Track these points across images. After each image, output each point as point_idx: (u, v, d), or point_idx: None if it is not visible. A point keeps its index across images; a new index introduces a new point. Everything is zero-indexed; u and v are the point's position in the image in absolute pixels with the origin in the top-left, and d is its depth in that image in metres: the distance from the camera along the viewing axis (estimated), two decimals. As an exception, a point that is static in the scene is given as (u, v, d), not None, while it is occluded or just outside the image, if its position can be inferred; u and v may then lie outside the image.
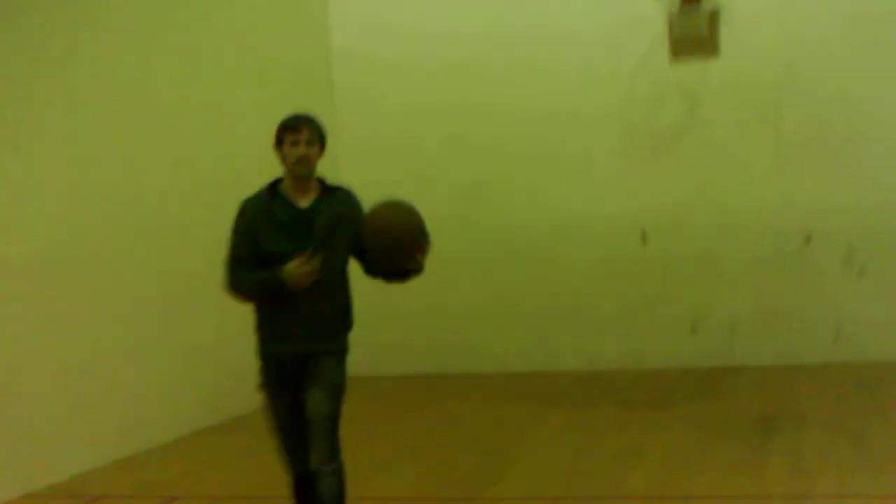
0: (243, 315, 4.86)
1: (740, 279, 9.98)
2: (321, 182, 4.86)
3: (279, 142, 4.75)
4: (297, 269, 4.55)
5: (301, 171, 4.71)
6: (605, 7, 10.18)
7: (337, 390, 4.75)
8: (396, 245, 4.59)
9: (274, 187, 4.81)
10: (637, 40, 10.08)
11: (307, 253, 4.58)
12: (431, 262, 11.62)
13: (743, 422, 7.66)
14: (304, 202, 4.76)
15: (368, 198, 4.80)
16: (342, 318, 4.84)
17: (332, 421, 4.72)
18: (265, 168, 5.14)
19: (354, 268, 4.81)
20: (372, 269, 4.84)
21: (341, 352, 4.82)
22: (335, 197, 4.83)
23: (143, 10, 8.25)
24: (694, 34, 9.84)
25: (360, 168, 9.99)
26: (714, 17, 9.80)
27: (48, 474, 6.97)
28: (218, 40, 9.08)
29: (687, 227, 10.05)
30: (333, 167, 10.51)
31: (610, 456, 6.96)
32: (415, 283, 10.72)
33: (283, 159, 4.74)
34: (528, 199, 10.40)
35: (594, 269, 10.25)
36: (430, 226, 10.46)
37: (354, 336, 4.81)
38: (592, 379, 9.69)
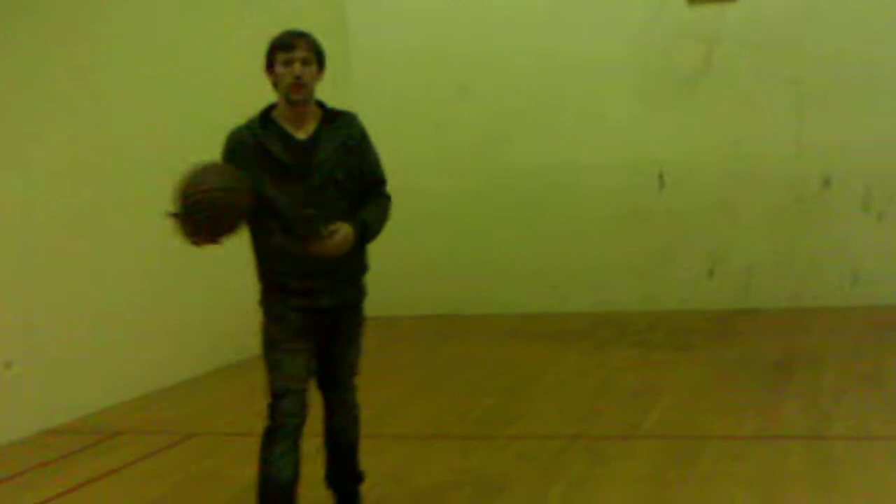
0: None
1: (758, 222, 9.93)
2: (321, 107, 4.32)
3: (270, 64, 4.20)
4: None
5: (297, 94, 4.16)
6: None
7: (360, 343, 4.58)
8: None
9: (266, 116, 4.25)
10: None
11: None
12: (447, 208, 11.53)
13: (760, 363, 7.66)
14: (303, 133, 4.23)
15: (383, 146, 4.59)
16: (358, 260, 4.40)
17: (356, 373, 4.62)
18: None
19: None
20: None
21: (361, 300, 4.52)
22: (338, 124, 4.30)
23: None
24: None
25: (372, 115, 9.95)
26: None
27: (67, 411, 7.03)
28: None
29: (704, 171, 9.99)
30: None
31: (627, 396, 6.99)
32: (433, 227, 10.81)
33: (276, 83, 4.19)
34: (545, 146, 10.32)
35: (611, 214, 10.21)
36: (446, 172, 10.50)
37: (372, 275, 4.67)
38: (609, 321, 9.69)
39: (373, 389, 4.92)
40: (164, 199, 7.66)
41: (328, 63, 4.37)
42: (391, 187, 4.56)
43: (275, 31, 4.28)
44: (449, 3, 10.46)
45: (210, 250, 4.21)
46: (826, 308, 9.56)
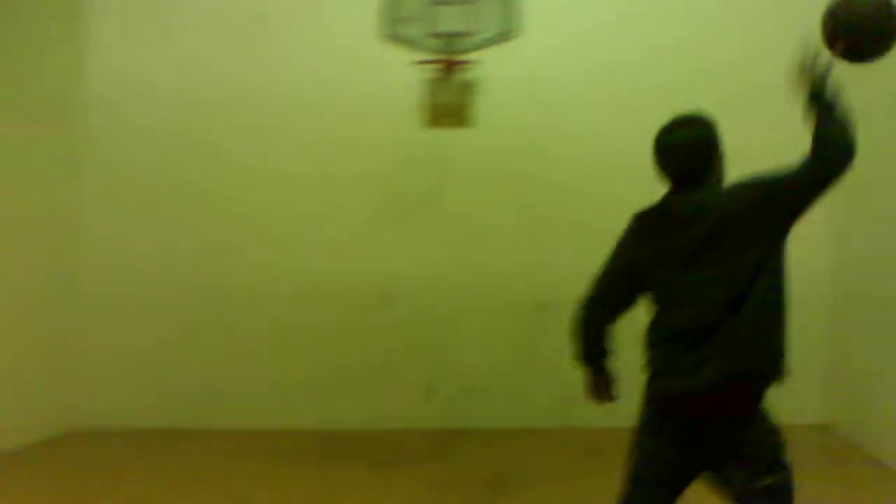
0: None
1: (477, 343, 10.28)
2: None
3: None
4: None
5: None
6: (359, 71, 10.37)
7: None
8: None
9: None
10: (390, 106, 10.27)
11: None
12: (175, 321, 11.18)
13: (473, 481, 7.88)
14: None
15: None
16: None
17: None
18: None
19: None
20: None
21: None
22: None
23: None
24: (449, 103, 10.13)
25: (102, 217, 9.85)
26: (468, 88, 10.13)
27: None
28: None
29: (430, 291, 10.29)
30: (78, 208, 10.21)
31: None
32: (145, 341, 10.36)
33: None
34: (270, 262, 10.36)
35: (336, 331, 10.31)
36: (172, 287, 10.18)
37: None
38: (332, 438, 9.71)
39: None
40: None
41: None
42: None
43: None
44: (183, 116, 10.40)
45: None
46: (537, 429, 9.94)
